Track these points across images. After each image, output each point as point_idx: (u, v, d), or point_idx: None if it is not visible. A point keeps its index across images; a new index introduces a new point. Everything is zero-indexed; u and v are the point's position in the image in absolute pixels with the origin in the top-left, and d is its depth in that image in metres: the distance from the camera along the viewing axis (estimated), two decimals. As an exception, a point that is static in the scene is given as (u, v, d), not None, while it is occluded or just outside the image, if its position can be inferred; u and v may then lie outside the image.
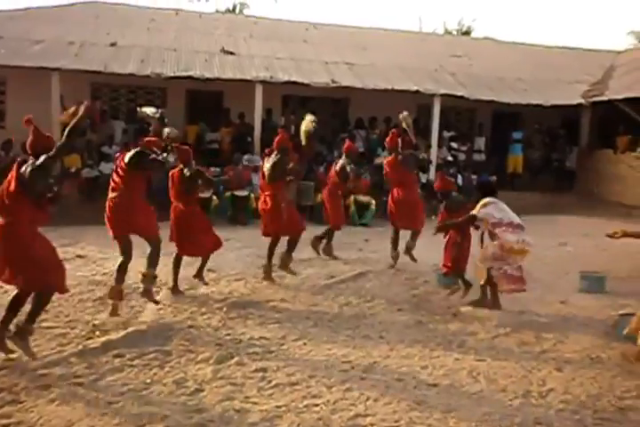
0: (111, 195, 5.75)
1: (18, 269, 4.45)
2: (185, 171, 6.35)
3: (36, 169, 4.40)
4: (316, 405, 3.95)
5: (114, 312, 5.63)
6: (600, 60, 18.17)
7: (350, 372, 4.50)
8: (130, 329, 5.25)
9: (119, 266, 5.72)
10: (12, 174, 4.44)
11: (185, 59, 13.57)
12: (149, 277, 5.92)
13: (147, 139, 6.12)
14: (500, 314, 6.07)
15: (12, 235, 4.40)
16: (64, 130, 4.67)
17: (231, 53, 14.25)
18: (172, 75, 12.69)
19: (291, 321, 5.69)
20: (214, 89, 13.90)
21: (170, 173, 6.50)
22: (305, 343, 5.11)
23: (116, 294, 5.70)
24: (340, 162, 8.58)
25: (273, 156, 7.02)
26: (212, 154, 13.31)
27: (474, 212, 6.01)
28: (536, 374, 4.62)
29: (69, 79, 12.28)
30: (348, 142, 8.90)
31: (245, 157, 12.78)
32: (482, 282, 6.19)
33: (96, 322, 5.45)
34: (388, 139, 8.43)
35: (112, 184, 5.79)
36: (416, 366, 4.68)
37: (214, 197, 11.43)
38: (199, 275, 6.74)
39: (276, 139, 7.14)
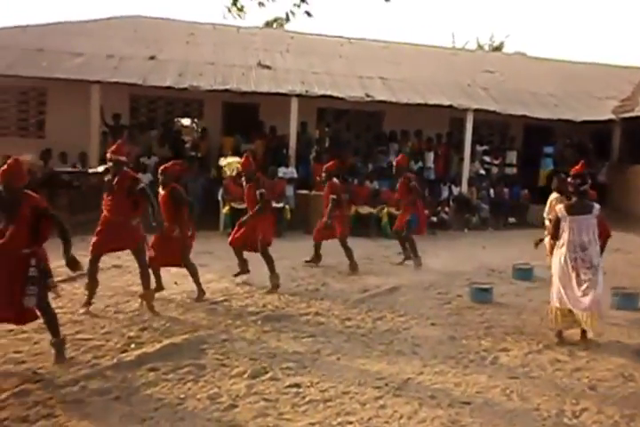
0: None
1: None
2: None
3: None
4: (350, 422, 3.96)
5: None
6: (628, 76, 18.15)
7: (384, 388, 4.51)
8: (165, 342, 5.30)
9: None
10: None
11: (222, 72, 13.80)
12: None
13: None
14: (531, 330, 6.06)
15: None
16: None
17: (268, 67, 14.46)
18: (210, 88, 12.91)
19: (324, 335, 5.72)
20: (250, 102, 14.10)
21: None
22: (339, 358, 5.13)
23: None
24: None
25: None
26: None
27: None
28: (569, 393, 4.58)
29: (109, 91, 12.59)
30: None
31: (282, 169, 12.91)
32: None
33: (131, 334, 5.51)
34: (397, 160, 9.21)
35: None
36: (449, 383, 4.68)
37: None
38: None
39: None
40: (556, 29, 50.62)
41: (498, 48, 29.51)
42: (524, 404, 4.36)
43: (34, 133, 14.16)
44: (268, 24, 25.22)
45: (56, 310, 5.96)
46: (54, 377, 4.49)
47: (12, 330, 5.22)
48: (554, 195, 7.30)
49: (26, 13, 43.60)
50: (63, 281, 7.25)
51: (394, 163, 9.38)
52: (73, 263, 4.78)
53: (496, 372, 4.98)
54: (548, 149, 15.81)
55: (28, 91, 13.98)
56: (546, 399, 4.45)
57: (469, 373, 4.93)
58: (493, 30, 54.04)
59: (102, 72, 12.64)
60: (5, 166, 4.57)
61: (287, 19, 6.27)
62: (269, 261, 7.42)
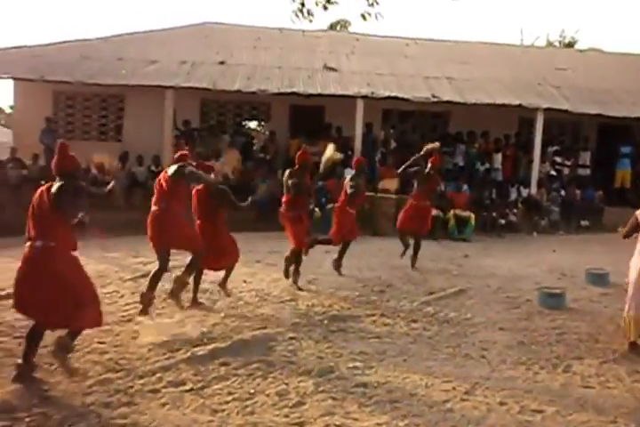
0: (153, 208, 5.93)
1: (43, 303, 4.25)
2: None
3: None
4: (417, 425, 3.94)
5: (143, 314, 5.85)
6: None
7: (451, 392, 4.47)
8: (235, 338, 5.43)
9: (153, 274, 5.94)
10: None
11: (289, 75, 14.02)
12: (180, 282, 6.07)
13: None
14: (607, 338, 5.85)
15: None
16: None
17: (333, 70, 14.57)
18: (277, 91, 13.15)
19: (390, 337, 5.71)
20: (316, 104, 14.24)
21: (194, 191, 6.42)
22: (405, 360, 5.12)
23: (147, 301, 5.87)
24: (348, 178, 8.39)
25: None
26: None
27: None
28: (649, 407, 4.40)
29: (181, 96, 13.06)
30: (356, 158, 9.11)
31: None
32: None
33: (204, 329, 5.66)
34: (432, 159, 8.91)
35: (154, 198, 5.96)
36: (519, 390, 4.57)
37: (316, 210, 11.64)
38: (223, 285, 6.79)
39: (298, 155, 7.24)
40: (633, 22, 48.55)
41: (570, 44, 28.54)
42: (599, 416, 4.20)
43: (113, 137, 14.98)
44: (332, 27, 25.36)
45: (132, 305, 6.30)
46: (134, 368, 4.71)
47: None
48: None
49: (106, 26, 45.94)
50: (142, 276, 7.56)
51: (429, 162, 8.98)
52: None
53: (569, 380, 4.84)
54: (626, 149, 15.11)
55: (108, 98, 14.71)
56: (624, 412, 4.26)
57: (540, 380, 4.82)
58: (564, 25, 52.32)
59: (175, 78, 13.16)
60: (56, 156, 4.43)
61: (364, 18, 6.44)
62: (299, 263, 7.36)
